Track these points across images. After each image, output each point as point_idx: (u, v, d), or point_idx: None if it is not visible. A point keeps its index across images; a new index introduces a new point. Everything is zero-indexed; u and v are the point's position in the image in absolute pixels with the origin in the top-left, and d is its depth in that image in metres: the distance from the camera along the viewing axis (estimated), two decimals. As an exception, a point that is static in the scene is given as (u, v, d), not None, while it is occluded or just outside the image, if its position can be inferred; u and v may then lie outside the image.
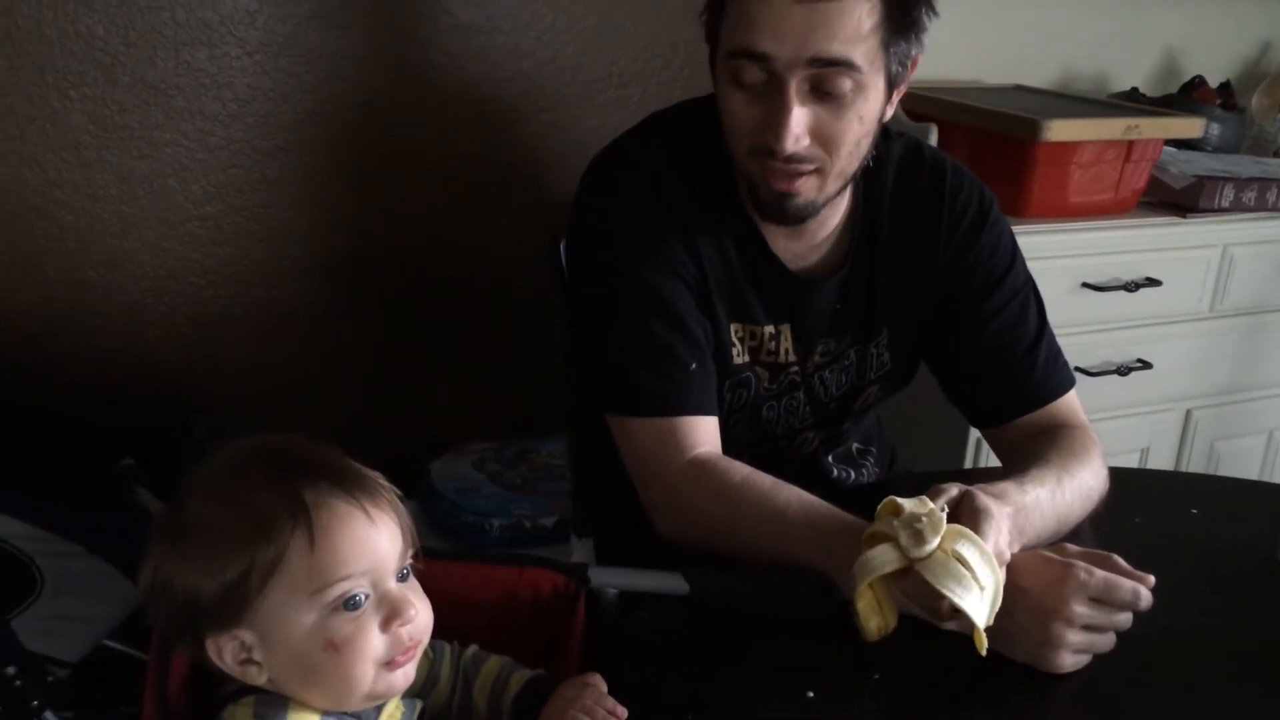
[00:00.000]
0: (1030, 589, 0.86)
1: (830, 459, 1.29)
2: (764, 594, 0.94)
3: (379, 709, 0.77)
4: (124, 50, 1.57)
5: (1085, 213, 1.85)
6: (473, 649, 0.88)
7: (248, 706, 0.74)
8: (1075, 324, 1.82)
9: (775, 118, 0.99)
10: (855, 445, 1.33)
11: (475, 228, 1.85)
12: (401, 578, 0.76)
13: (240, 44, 1.64)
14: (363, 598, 0.73)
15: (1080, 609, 0.85)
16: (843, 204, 1.12)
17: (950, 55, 2.09)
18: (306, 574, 0.72)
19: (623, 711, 0.78)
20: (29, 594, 1.31)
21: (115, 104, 1.59)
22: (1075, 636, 0.85)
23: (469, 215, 1.84)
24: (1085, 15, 2.24)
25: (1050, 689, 0.86)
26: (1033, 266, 1.21)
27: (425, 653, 0.81)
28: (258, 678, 0.74)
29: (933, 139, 1.80)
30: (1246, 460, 2.12)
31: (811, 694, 0.83)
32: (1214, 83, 2.27)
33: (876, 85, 1.01)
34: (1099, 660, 0.87)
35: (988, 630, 0.82)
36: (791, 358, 1.17)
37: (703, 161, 1.09)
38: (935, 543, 0.81)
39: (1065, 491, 1.01)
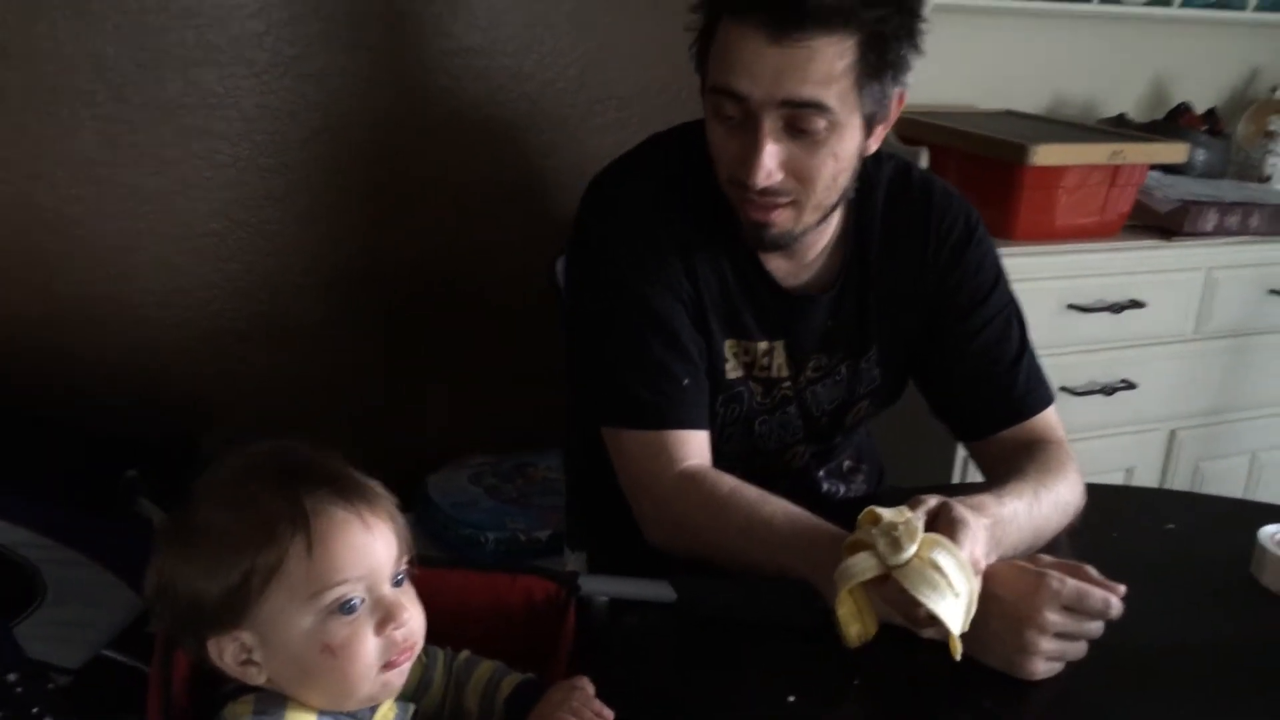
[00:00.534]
0: (1005, 597, 0.89)
1: (821, 473, 1.32)
2: (749, 602, 0.97)
3: (373, 709, 0.79)
4: (135, 71, 1.61)
5: (1072, 235, 1.88)
6: (465, 654, 0.90)
7: (248, 704, 0.76)
8: (1061, 345, 1.85)
9: (749, 153, 1.02)
10: (847, 462, 1.36)
11: (477, 245, 1.88)
12: (397, 583, 0.78)
13: (248, 65, 1.67)
14: (358, 602, 0.75)
15: (1053, 617, 0.87)
16: (832, 225, 1.15)
17: (944, 81, 2.13)
18: (305, 578, 0.74)
19: (609, 714, 0.80)
20: (32, 601, 1.33)
21: (125, 123, 1.63)
22: (1048, 644, 0.88)
23: (471, 233, 1.87)
24: (1076, 42, 2.28)
25: (1025, 695, 0.88)
26: (1020, 288, 1.23)
27: (419, 657, 0.83)
28: (257, 678, 0.76)
29: (924, 162, 1.84)
30: (1230, 480, 2.14)
31: (793, 698, 0.85)
32: (1201, 109, 2.31)
33: (852, 124, 1.03)
34: (1073, 669, 0.89)
35: (963, 636, 0.85)
36: (784, 373, 1.19)
37: (699, 182, 1.12)
38: (912, 551, 0.83)
39: (1042, 505, 1.03)
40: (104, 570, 1.40)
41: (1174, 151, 1.97)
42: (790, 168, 1.03)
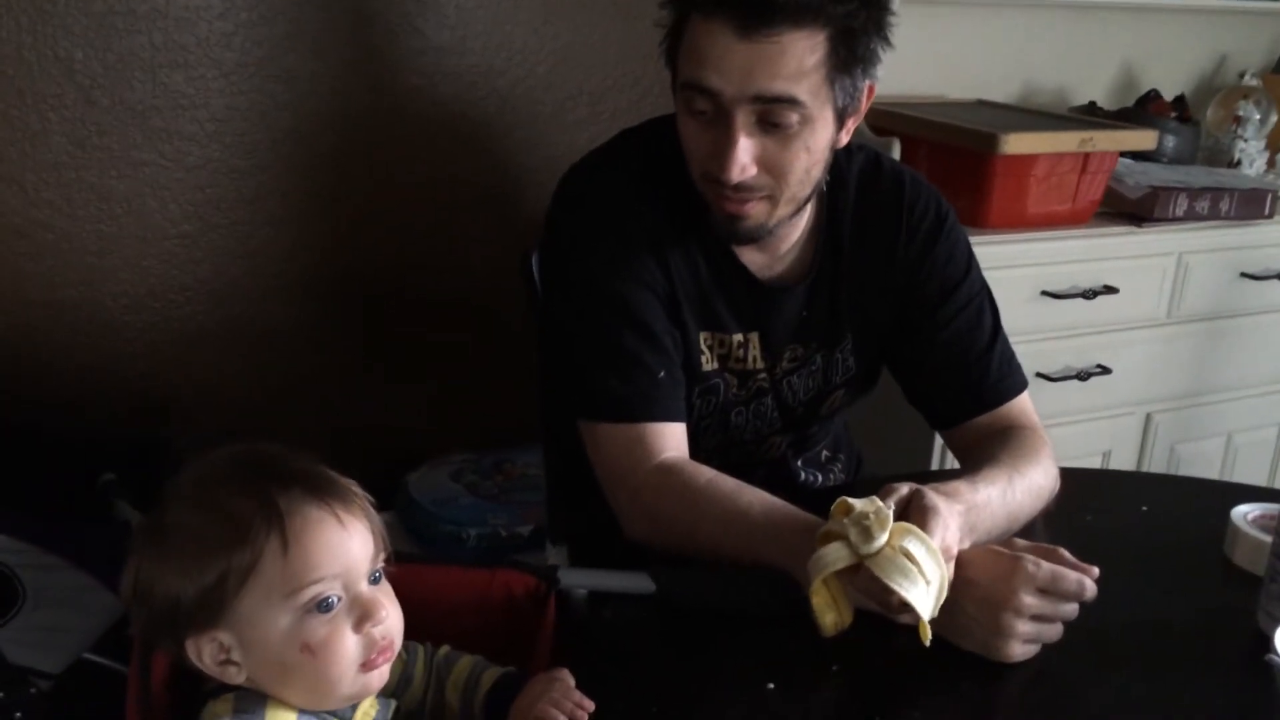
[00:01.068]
0: (980, 581, 0.90)
1: (799, 463, 1.32)
2: (727, 591, 0.98)
3: (354, 707, 0.80)
4: (102, 73, 1.60)
5: (1044, 223, 1.90)
6: (445, 649, 0.90)
7: (228, 703, 0.76)
8: (1036, 331, 1.87)
9: (722, 149, 1.03)
10: (824, 452, 1.37)
11: (450, 243, 1.88)
12: (373, 581, 0.78)
13: (217, 66, 1.66)
14: (335, 600, 0.75)
15: (1028, 599, 0.88)
16: (805, 217, 1.16)
17: (915, 71, 2.14)
18: (280, 577, 0.74)
19: (590, 704, 0.80)
20: (11, 606, 1.32)
21: (94, 125, 1.62)
22: (1024, 626, 0.88)
23: (444, 231, 1.87)
24: (1046, 31, 2.30)
25: (1001, 678, 0.89)
26: (993, 275, 1.24)
27: (399, 654, 0.83)
28: (236, 677, 0.76)
29: (895, 153, 1.85)
30: (1206, 462, 2.17)
31: (772, 685, 0.86)
32: (1170, 96, 2.33)
33: (824, 117, 1.04)
34: (1049, 651, 0.90)
35: (939, 621, 0.86)
36: (759, 364, 1.20)
37: (671, 175, 1.12)
38: (883, 539, 0.84)
39: (1016, 490, 1.04)
40: (83, 574, 1.39)
41: (1143, 138, 1.99)
42: (763, 162, 1.04)
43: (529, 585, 0.94)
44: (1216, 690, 0.91)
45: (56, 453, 1.54)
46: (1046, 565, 0.89)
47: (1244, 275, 2.07)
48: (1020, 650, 0.89)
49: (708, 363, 1.18)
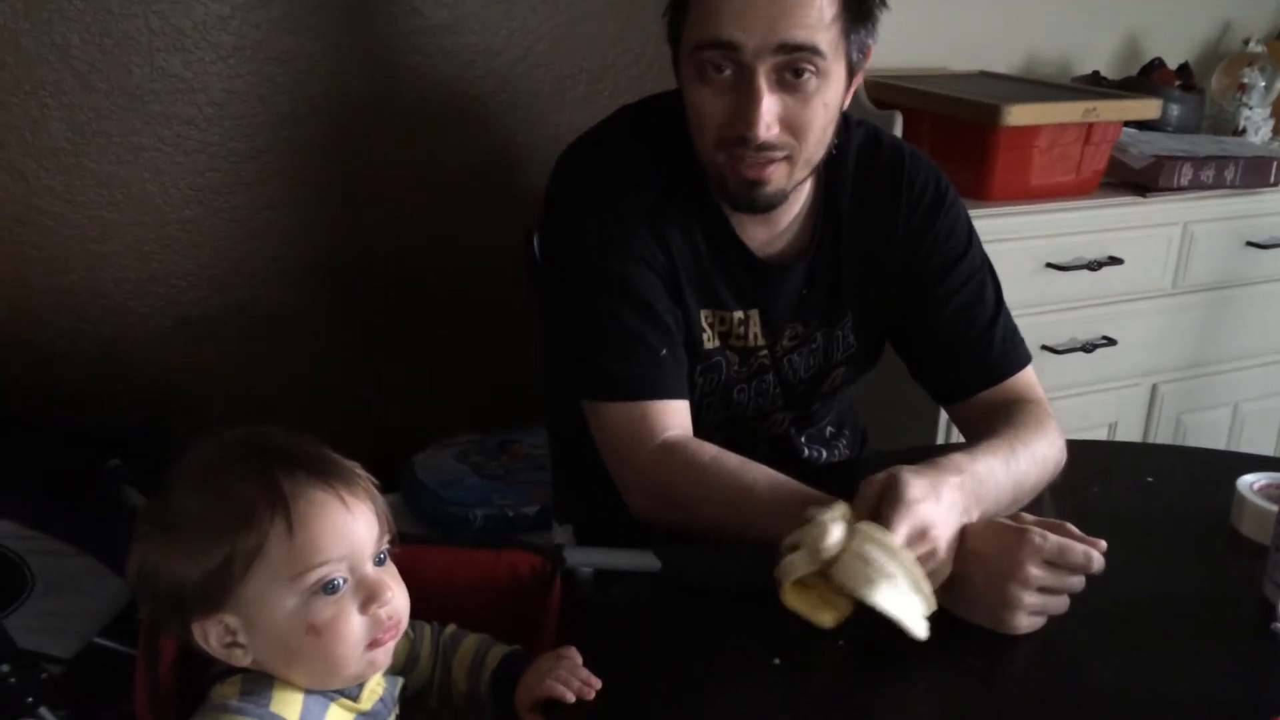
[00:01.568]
0: (987, 554, 0.90)
1: (803, 439, 1.32)
2: (732, 568, 0.98)
3: (360, 686, 0.80)
4: (100, 58, 1.59)
5: (1048, 194, 1.88)
6: (452, 628, 0.91)
7: (234, 684, 0.77)
8: (1040, 303, 1.86)
9: (746, 107, 1.02)
10: (829, 428, 1.36)
11: (452, 224, 1.87)
12: (379, 562, 0.79)
13: (214, 49, 1.66)
14: (341, 582, 0.76)
15: (1035, 571, 0.88)
16: (805, 191, 1.15)
17: (917, 43, 2.12)
18: (286, 560, 0.74)
19: (597, 682, 0.81)
20: (21, 592, 1.33)
21: (92, 111, 1.61)
22: (1031, 598, 0.89)
23: (445, 211, 1.87)
24: (1048, 1, 2.27)
25: (1008, 650, 0.89)
26: (997, 248, 1.23)
27: (406, 633, 0.84)
28: (243, 660, 0.77)
29: (897, 126, 1.84)
30: (1213, 432, 2.16)
31: (777, 661, 0.86)
32: (1174, 64, 2.30)
33: (838, 73, 1.04)
34: (1055, 623, 0.90)
35: (947, 592, 0.87)
36: (760, 342, 1.20)
37: (670, 153, 1.11)
38: (834, 546, 0.84)
39: (1020, 461, 1.04)
40: (92, 559, 1.40)
41: (1147, 108, 1.97)
42: (785, 120, 1.03)
43: (535, 565, 0.95)
44: (1223, 659, 0.91)
45: (63, 439, 1.55)
46: (1053, 538, 0.89)
47: (1250, 244, 2.06)
48: (1026, 622, 0.89)
49: (709, 340, 1.17)
